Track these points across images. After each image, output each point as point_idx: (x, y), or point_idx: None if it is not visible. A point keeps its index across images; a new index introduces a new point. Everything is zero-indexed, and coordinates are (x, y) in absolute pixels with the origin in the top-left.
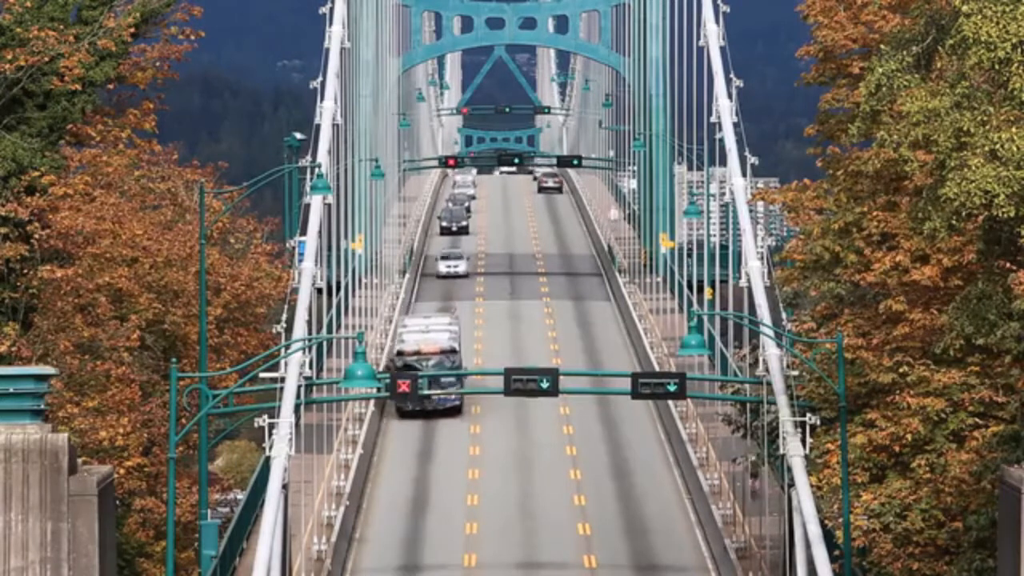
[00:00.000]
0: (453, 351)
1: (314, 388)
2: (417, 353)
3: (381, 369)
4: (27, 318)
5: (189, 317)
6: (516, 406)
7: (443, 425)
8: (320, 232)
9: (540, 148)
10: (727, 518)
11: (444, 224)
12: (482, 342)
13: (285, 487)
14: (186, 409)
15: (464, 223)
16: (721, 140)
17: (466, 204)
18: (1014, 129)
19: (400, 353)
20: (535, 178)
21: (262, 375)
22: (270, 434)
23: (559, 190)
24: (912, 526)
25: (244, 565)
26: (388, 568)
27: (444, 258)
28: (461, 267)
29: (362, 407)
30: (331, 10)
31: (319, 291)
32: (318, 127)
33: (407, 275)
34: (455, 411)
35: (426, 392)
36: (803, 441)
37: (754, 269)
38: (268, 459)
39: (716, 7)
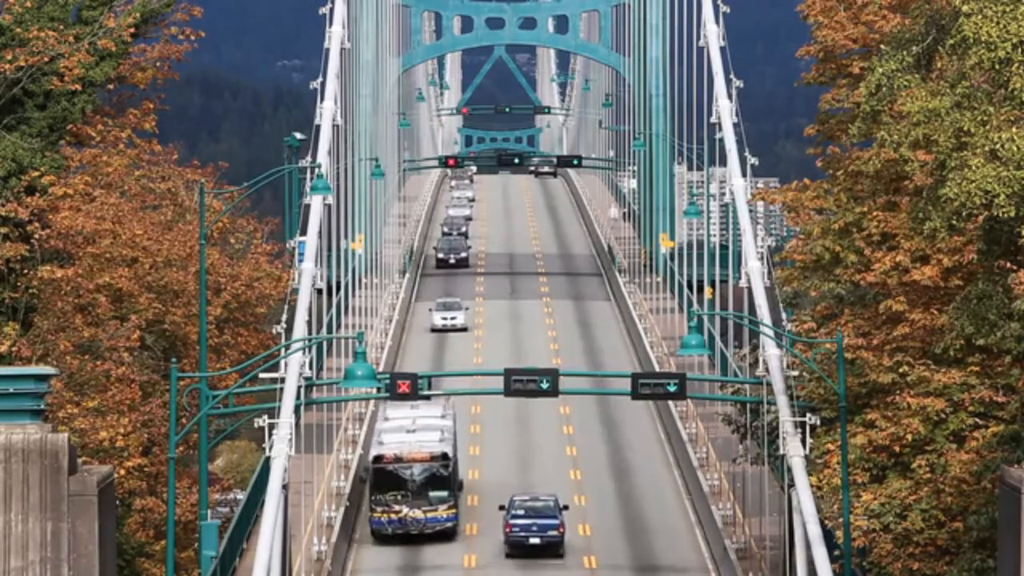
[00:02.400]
0: (445, 457)
1: (314, 388)
2: (398, 460)
3: (352, 477)
4: (27, 318)
5: (189, 317)
6: (516, 412)
7: None
8: (320, 232)
9: (540, 148)
10: (727, 519)
11: (441, 256)
12: (482, 342)
13: (285, 487)
14: (186, 409)
15: (463, 254)
16: (721, 140)
17: (463, 229)
18: (1014, 129)
19: (377, 459)
20: (531, 169)
21: (262, 375)
22: (270, 434)
23: (553, 175)
24: (912, 526)
25: (244, 565)
26: (388, 568)
27: (440, 308)
28: (459, 319)
29: (362, 407)
30: (331, 10)
31: (319, 291)
32: (318, 127)
33: (407, 275)
34: (448, 535)
35: (408, 513)
36: (803, 441)
37: (754, 269)
38: (268, 459)
39: (716, 7)
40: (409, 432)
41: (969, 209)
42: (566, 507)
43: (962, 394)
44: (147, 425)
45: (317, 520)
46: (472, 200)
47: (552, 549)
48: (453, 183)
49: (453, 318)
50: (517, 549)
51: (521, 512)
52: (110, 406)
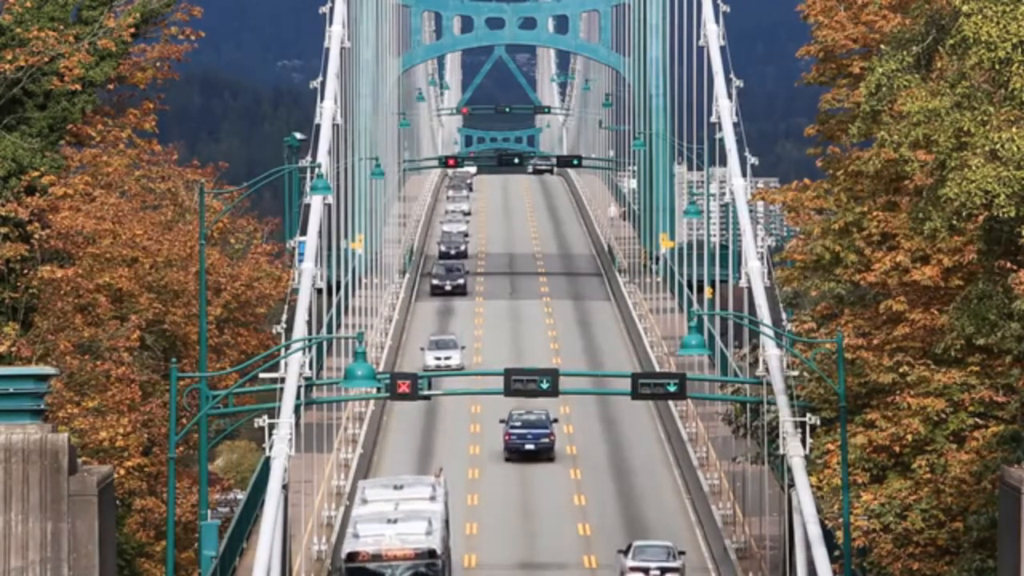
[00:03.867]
0: (432, 555)
1: (314, 388)
2: (376, 559)
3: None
4: (27, 318)
5: (189, 317)
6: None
7: (441, 424)
8: (320, 232)
9: (540, 148)
10: (727, 518)
11: (435, 283)
12: (482, 342)
13: (285, 487)
14: (186, 409)
15: (460, 280)
16: (721, 140)
17: (461, 247)
18: (1014, 129)
19: (351, 557)
20: (529, 171)
21: (262, 375)
22: (270, 434)
23: (551, 171)
24: (912, 526)
25: (244, 565)
26: None
27: (432, 347)
28: (455, 359)
29: (362, 407)
30: (331, 10)
31: (319, 291)
32: (318, 127)
33: (407, 275)
34: None
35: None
36: (803, 441)
37: (754, 269)
38: (268, 459)
39: (716, 7)
40: (390, 522)
41: (969, 209)
42: (556, 420)
43: (962, 394)
44: (147, 425)
45: (317, 520)
46: (468, 214)
47: (544, 453)
48: (450, 193)
49: (447, 358)
50: (515, 454)
51: (519, 423)
52: (110, 406)
